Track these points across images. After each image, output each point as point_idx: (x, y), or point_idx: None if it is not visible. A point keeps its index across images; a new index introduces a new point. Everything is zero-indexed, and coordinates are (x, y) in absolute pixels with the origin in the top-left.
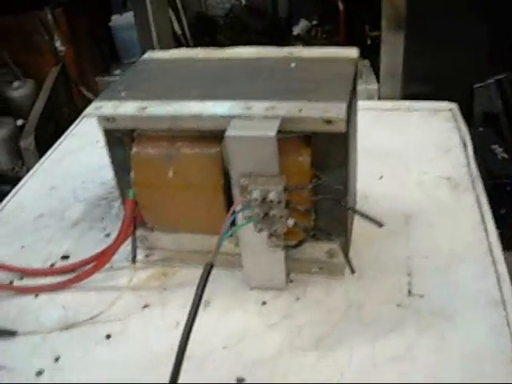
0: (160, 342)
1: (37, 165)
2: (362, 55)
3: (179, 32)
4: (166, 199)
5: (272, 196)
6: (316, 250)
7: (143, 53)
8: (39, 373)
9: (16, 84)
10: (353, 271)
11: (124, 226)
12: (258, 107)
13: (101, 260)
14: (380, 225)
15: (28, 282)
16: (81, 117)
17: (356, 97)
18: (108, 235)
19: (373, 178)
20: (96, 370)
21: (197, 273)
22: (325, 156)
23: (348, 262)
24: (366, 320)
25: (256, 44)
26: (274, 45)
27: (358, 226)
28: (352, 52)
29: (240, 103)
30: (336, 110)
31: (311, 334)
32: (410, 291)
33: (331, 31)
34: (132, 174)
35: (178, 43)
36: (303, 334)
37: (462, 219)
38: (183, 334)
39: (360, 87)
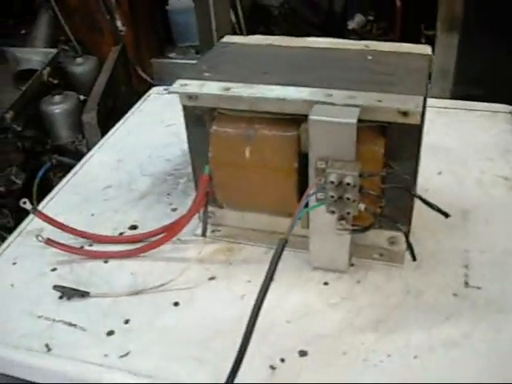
0: (225, 312)
1: (104, 138)
2: None
3: (234, 20)
4: (240, 178)
5: (348, 180)
6: (379, 236)
7: (201, 38)
8: (110, 333)
9: (79, 60)
10: (414, 258)
11: (197, 200)
12: (339, 95)
13: (171, 231)
14: (446, 215)
15: (98, 248)
16: (149, 93)
17: (428, 93)
18: (174, 210)
19: (432, 173)
20: (165, 334)
21: (260, 251)
22: (398, 146)
23: (411, 248)
24: (424, 307)
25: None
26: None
27: (417, 218)
28: (425, 49)
29: (321, 90)
30: (413, 103)
31: (370, 315)
32: (466, 282)
33: (386, 27)
34: (210, 151)
35: (233, 32)
36: (362, 315)
37: None
38: (255, 304)
39: None
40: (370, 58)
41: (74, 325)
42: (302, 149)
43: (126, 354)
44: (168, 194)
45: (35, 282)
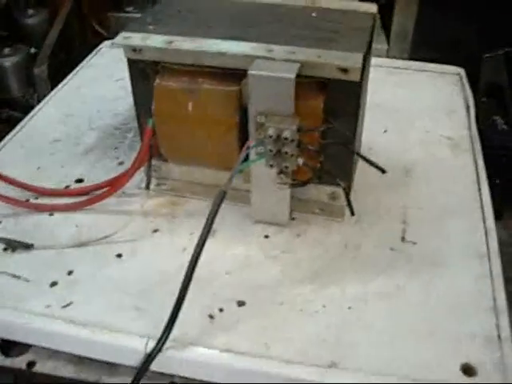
0: (168, 263)
1: (53, 91)
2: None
3: None
4: (183, 131)
5: (286, 134)
6: (320, 191)
7: None
8: (53, 283)
9: (30, 12)
10: (352, 213)
11: (141, 153)
12: (280, 50)
13: (116, 184)
14: (383, 171)
15: (43, 201)
16: (100, 47)
17: (371, 51)
18: (121, 163)
19: (377, 131)
20: (107, 285)
21: (204, 205)
22: (338, 103)
23: (349, 204)
24: (360, 260)
25: None
26: None
27: (360, 174)
28: (371, 7)
29: (262, 45)
30: (353, 60)
31: (308, 268)
32: (403, 238)
33: None
34: (153, 105)
35: None
36: (301, 268)
37: (459, 177)
38: (193, 255)
39: None
40: (314, 14)
41: (18, 276)
42: (243, 103)
43: (69, 305)
44: (115, 148)
45: None
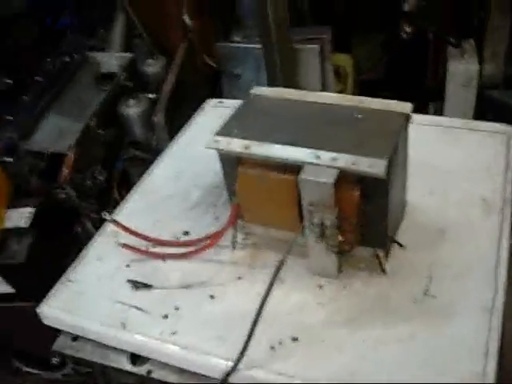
0: (247, 305)
1: (166, 150)
2: (469, 35)
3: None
4: (258, 206)
5: (327, 222)
6: (366, 251)
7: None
8: (165, 316)
9: (150, 61)
10: (383, 272)
11: (229, 221)
12: (325, 157)
13: (213, 240)
14: (400, 245)
15: (159, 249)
16: (203, 106)
17: (406, 141)
18: (217, 218)
19: (423, 192)
20: (203, 319)
21: (278, 257)
22: (371, 193)
23: (381, 265)
24: (388, 310)
25: None
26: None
27: (404, 231)
28: (405, 107)
29: (312, 152)
30: (378, 167)
31: (347, 315)
32: (426, 292)
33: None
34: (237, 187)
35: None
36: (341, 314)
37: (483, 237)
38: (260, 305)
39: (460, 67)
40: (359, 116)
41: (141, 309)
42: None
43: (175, 333)
44: (214, 206)
45: (115, 275)
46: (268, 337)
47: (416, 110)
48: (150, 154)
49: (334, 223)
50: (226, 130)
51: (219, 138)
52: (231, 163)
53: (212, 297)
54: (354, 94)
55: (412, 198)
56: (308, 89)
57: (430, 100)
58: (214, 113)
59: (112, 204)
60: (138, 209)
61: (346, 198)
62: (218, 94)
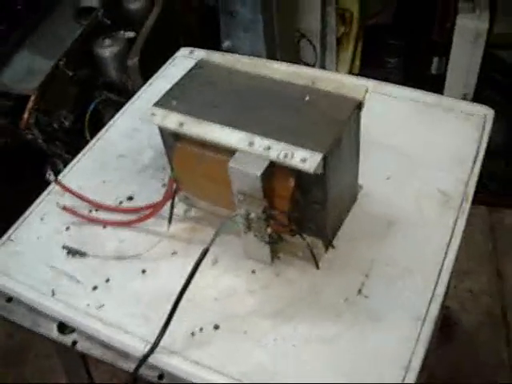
0: (175, 284)
1: (128, 103)
2: None
3: None
4: (196, 183)
5: (252, 215)
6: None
7: None
8: (95, 288)
9: None
10: (317, 267)
11: (165, 196)
12: (259, 144)
13: (151, 212)
14: (332, 247)
15: (101, 215)
16: (175, 55)
17: (357, 129)
18: (164, 186)
19: (380, 178)
20: (131, 295)
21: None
22: (307, 186)
23: (314, 258)
24: (318, 305)
25: None
26: None
27: (349, 222)
28: (360, 92)
29: (247, 137)
30: (311, 162)
31: (275, 305)
32: (360, 290)
33: None
34: (174, 163)
35: None
36: (269, 304)
37: (433, 237)
38: (182, 288)
39: (470, 22)
40: (307, 99)
41: (73, 277)
42: None
43: (101, 307)
44: (163, 169)
45: (53, 238)
46: (190, 322)
47: (419, 63)
48: (124, 96)
49: (261, 216)
50: (165, 101)
51: (156, 111)
52: (169, 137)
53: (144, 271)
54: (358, 38)
55: (367, 183)
56: (308, 31)
57: (434, 54)
58: (184, 65)
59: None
60: (88, 168)
61: (279, 189)
62: (215, 34)
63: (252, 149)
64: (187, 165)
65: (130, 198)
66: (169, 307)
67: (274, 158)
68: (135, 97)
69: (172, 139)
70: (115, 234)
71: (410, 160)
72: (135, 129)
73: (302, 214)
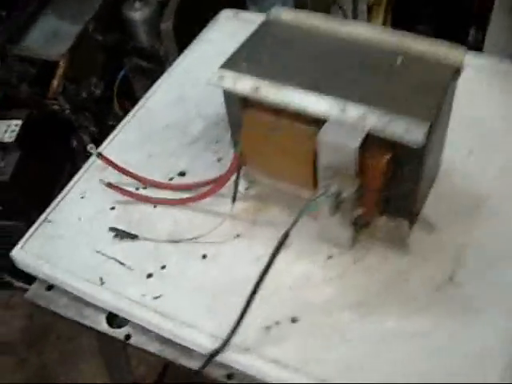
0: (242, 271)
1: (169, 70)
2: None
3: None
4: (267, 158)
5: (345, 194)
6: (386, 221)
7: None
8: (149, 275)
9: None
10: (405, 246)
11: (229, 170)
12: (352, 112)
13: (212, 188)
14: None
15: (150, 192)
16: (217, 17)
17: (452, 98)
18: (219, 160)
19: (462, 153)
20: (191, 283)
21: (285, 215)
22: (403, 161)
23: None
24: (406, 294)
25: None
26: None
27: (432, 201)
28: (458, 55)
29: (337, 104)
30: (416, 133)
31: (357, 295)
32: (451, 278)
33: None
34: (242, 134)
35: None
36: (350, 294)
37: None
38: (260, 274)
39: None
40: (398, 62)
41: (123, 263)
42: None
43: (159, 297)
44: (217, 142)
45: (97, 218)
46: (264, 314)
47: (453, 34)
48: (155, 64)
49: (353, 196)
50: (233, 63)
51: (225, 73)
52: (237, 104)
53: (204, 256)
54: (388, 6)
55: (447, 158)
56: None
57: (471, 24)
58: (229, 27)
59: (112, 118)
60: (130, 140)
61: (372, 165)
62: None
63: (345, 117)
64: (257, 136)
65: (182, 174)
66: (237, 298)
67: (371, 128)
68: (176, 63)
69: (240, 107)
70: (168, 215)
71: (492, 133)
72: (180, 97)
73: (390, 193)
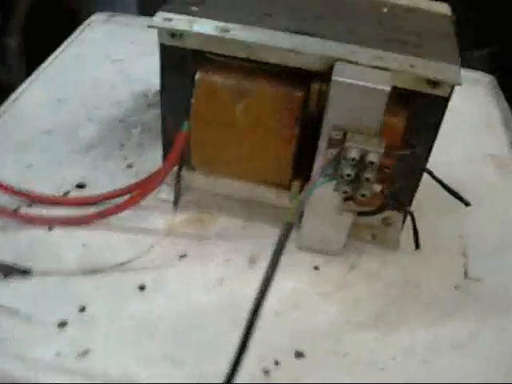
0: (203, 299)
1: (36, 71)
2: None
3: None
4: (226, 138)
5: (371, 157)
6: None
7: None
8: (62, 323)
9: None
10: (418, 246)
11: (169, 160)
12: (365, 54)
13: (137, 195)
14: (467, 204)
15: (37, 211)
16: (89, 20)
17: None
18: (130, 166)
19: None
20: (131, 326)
21: (236, 223)
22: (419, 121)
23: (416, 234)
24: (425, 300)
25: None
26: None
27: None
28: (443, 7)
29: (342, 45)
30: (450, 73)
31: (369, 309)
32: (466, 273)
33: None
34: (193, 104)
35: None
36: (360, 309)
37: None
38: (256, 298)
39: None
40: (385, 10)
41: (17, 312)
42: (307, 112)
43: (85, 353)
44: (121, 146)
45: None
46: (255, 353)
47: None
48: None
49: (380, 160)
50: (178, 7)
51: (172, 16)
52: (183, 65)
53: (142, 288)
54: None
55: None
56: None
57: None
58: (104, 29)
59: None
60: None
61: (391, 123)
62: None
63: (358, 58)
64: (215, 106)
65: (81, 186)
66: (205, 337)
67: (396, 68)
68: (44, 64)
69: (188, 67)
70: (73, 237)
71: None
72: (59, 99)
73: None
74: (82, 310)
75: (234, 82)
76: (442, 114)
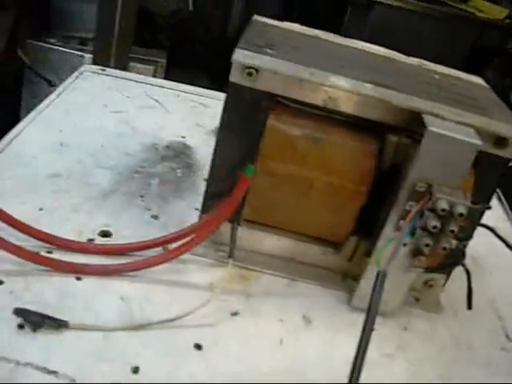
0: (266, 361)
1: (34, 111)
2: None
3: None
4: (289, 190)
5: (460, 209)
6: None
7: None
8: None
9: None
10: (470, 307)
11: (227, 206)
12: (445, 110)
13: (194, 239)
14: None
15: (59, 256)
16: (81, 70)
17: None
18: (155, 217)
19: None
20: None
21: (281, 281)
22: (483, 180)
23: (470, 294)
24: (481, 362)
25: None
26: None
27: None
28: (479, 79)
29: (423, 100)
30: None
31: (434, 370)
32: (507, 336)
33: None
34: (262, 149)
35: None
36: (426, 370)
37: None
38: (354, 366)
39: None
40: (436, 76)
41: (54, 372)
42: (380, 166)
43: None
44: (141, 197)
45: None
46: None
47: None
48: None
49: (467, 214)
50: (252, 47)
51: (249, 53)
52: (252, 107)
53: (198, 347)
54: None
55: None
56: None
57: None
58: (96, 80)
59: None
60: (3, 188)
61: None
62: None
63: (441, 112)
64: (284, 153)
65: (106, 234)
66: None
67: (478, 125)
68: (40, 107)
69: (258, 110)
70: (106, 289)
71: None
72: (63, 144)
73: None
74: (135, 371)
75: (306, 130)
76: (503, 174)
